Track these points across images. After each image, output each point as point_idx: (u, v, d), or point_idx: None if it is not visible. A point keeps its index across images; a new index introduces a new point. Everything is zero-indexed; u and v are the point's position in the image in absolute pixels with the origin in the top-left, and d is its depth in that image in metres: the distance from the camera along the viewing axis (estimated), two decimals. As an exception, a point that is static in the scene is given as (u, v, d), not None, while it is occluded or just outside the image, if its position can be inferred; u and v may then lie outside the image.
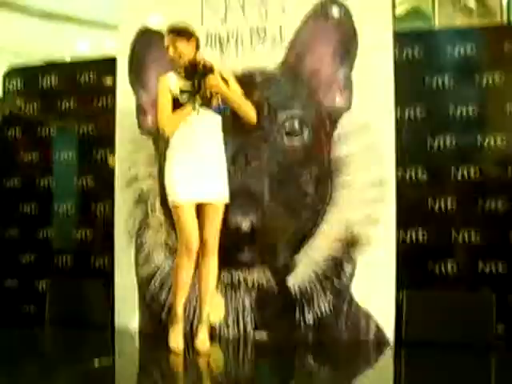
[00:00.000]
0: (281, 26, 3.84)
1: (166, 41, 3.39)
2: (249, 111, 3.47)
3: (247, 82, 3.80)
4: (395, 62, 3.71)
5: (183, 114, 3.30)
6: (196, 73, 3.28)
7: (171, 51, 3.37)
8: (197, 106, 3.28)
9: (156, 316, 3.92)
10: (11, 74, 4.80)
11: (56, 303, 4.26)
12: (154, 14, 4.15)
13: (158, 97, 3.41)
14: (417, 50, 3.84)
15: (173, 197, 3.31)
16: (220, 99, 3.34)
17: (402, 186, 3.66)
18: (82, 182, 4.44)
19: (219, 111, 3.36)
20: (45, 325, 4.22)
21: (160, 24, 4.02)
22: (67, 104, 4.54)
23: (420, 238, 3.71)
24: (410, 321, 3.51)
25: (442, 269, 3.67)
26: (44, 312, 4.27)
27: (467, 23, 6.94)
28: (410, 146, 3.75)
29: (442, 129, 3.76)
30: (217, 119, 3.38)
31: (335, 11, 3.77)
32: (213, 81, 3.28)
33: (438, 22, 8.02)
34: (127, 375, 3.25)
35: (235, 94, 3.42)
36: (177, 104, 3.34)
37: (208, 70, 3.29)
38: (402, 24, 5.34)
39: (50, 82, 4.61)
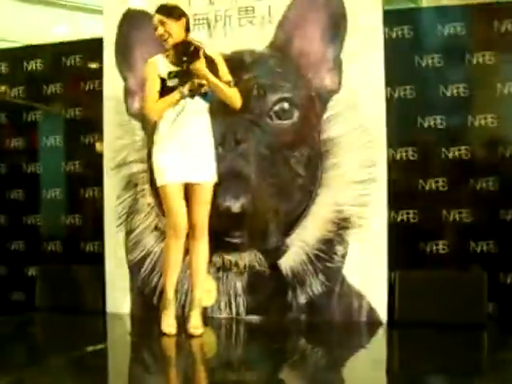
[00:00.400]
0: (269, 6, 3.79)
1: (155, 20, 3.32)
2: (233, 97, 3.38)
3: (236, 63, 3.76)
4: (385, 42, 3.66)
5: (170, 100, 3.25)
6: (185, 55, 3.22)
7: (160, 31, 3.30)
8: (185, 92, 3.22)
9: (148, 300, 3.91)
10: (-6, 57, 4.73)
11: (46, 290, 4.23)
12: (140, -4, 4.10)
13: (146, 80, 3.36)
14: (406, 29, 3.80)
15: (160, 178, 3.28)
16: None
17: (392, 167, 3.64)
18: (70, 168, 4.40)
19: (205, 98, 3.31)
20: (35, 312, 4.19)
21: (147, 4, 3.97)
22: (53, 88, 4.47)
23: (411, 218, 3.70)
24: (402, 301, 3.51)
25: (434, 249, 3.67)
26: (34, 299, 4.25)
27: (454, 3, 6.95)
28: (400, 127, 3.73)
29: (432, 109, 3.74)
30: (204, 107, 3.34)
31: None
32: (199, 66, 3.22)
33: (424, 1, 8.02)
34: (120, 360, 3.23)
35: (220, 80, 3.33)
36: (165, 87, 3.29)
37: (195, 54, 3.22)
38: (388, 4, 5.29)
39: (35, 66, 4.54)
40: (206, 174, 3.33)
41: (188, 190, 3.32)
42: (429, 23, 3.84)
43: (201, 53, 3.23)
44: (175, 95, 3.24)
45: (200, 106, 3.32)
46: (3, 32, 8.82)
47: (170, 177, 3.25)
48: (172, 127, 3.26)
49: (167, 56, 3.34)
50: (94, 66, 4.38)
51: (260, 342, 3.52)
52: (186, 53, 3.21)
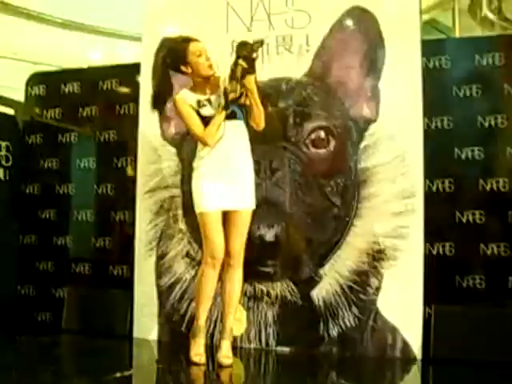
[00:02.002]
0: (307, 34, 3.79)
1: (198, 48, 3.32)
2: (261, 117, 3.35)
3: (273, 90, 3.77)
4: (422, 72, 3.63)
5: (218, 120, 3.22)
6: (247, 63, 3.17)
7: (203, 59, 3.30)
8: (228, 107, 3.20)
9: (176, 327, 3.86)
10: (33, 80, 4.78)
11: (74, 312, 4.21)
12: (179, 22, 4.11)
13: (183, 116, 3.32)
14: (444, 60, 3.76)
15: (200, 206, 3.25)
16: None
17: (429, 198, 3.58)
18: (102, 190, 4.40)
19: (241, 111, 3.29)
20: (61, 333, 4.17)
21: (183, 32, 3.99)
22: (88, 111, 4.50)
23: (447, 251, 3.62)
24: (437, 337, 3.41)
25: (470, 283, 3.57)
26: (60, 320, 4.23)
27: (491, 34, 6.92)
28: (437, 158, 3.66)
29: (470, 140, 3.68)
30: (243, 127, 3.31)
31: (360, 19, 3.70)
32: (252, 80, 3.21)
33: (457, 33, 8.02)
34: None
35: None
36: (202, 118, 3.28)
37: (253, 66, 3.20)
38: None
39: (72, 89, 4.58)
40: (245, 201, 3.30)
41: (226, 217, 3.29)
42: (466, 53, 3.79)
43: (256, 67, 3.21)
44: (221, 114, 3.21)
45: (239, 130, 3.29)
46: (41, 57, 9.06)
47: (209, 204, 3.22)
48: (213, 153, 3.24)
49: (192, 89, 3.34)
50: (129, 90, 4.40)
51: (289, 374, 3.42)
52: (248, 62, 3.18)
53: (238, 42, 3.30)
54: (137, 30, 4.43)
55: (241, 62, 3.17)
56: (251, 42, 3.24)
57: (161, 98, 3.60)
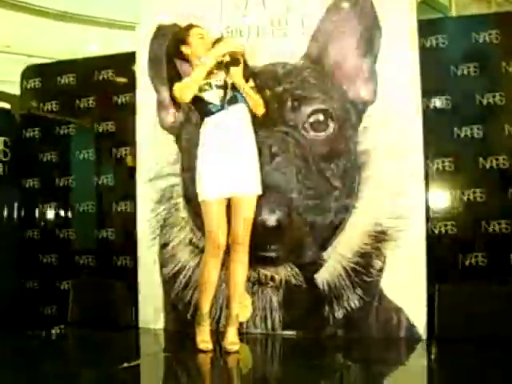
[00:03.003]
0: (302, 18, 3.77)
1: (201, 31, 3.34)
2: (259, 103, 3.34)
3: (269, 75, 3.75)
4: (419, 52, 3.61)
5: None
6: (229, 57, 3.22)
7: (205, 42, 3.31)
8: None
9: (181, 315, 3.87)
10: (29, 72, 4.78)
11: (78, 304, 4.22)
12: (173, 9, 4.09)
13: (177, 96, 3.29)
14: (441, 39, 3.74)
15: (203, 194, 3.23)
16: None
17: (429, 178, 3.59)
18: (102, 181, 4.39)
19: (241, 95, 3.29)
20: (67, 326, 4.18)
21: (179, 18, 3.97)
22: (85, 102, 4.49)
23: (449, 230, 3.63)
24: (441, 316, 3.42)
25: (473, 261, 3.58)
26: (66, 313, 4.23)
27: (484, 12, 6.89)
28: (437, 137, 3.66)
29: (468, 118, 3.67)
30: (246, 110, 3.30)
31: (345, 4, 3.69)
32: (237, 72, 3.22)
33: (454, 11, 7.98)
34: (154, 377, 3.21)
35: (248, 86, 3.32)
36: (201, 101, 3.26)
37: (237, 60, 3.22)
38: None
39: (68, 80, 4.56)
40: (251, 186, 3.28)
41: (232, 203, 3.27)
42: (463, 32, 3.78)
43: (241, 59, 3.23)
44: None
45: (242, 114, 3.28)
46: (38, 49, 9.01)
47: (212, 192, 3.20)
48: (216, 140, 3.22)
49: None
50: (125, 80, 4.38)
51: (296, 358, 3.43)
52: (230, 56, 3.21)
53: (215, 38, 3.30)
54: (132, 18, 4.39)
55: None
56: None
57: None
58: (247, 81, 3.28)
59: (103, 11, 8.44)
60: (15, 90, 4.86)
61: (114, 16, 8.51)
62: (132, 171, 4.12)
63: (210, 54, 3.19)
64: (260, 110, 3.34)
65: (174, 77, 3.34)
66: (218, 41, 3.29)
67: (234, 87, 3.24)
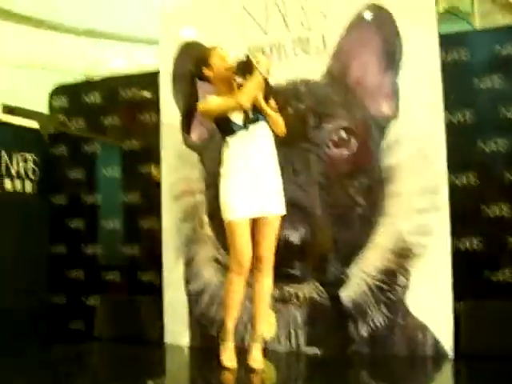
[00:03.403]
0: (323, 35, 3.79)
1: (223, 53, 3.36)
2: (280, 123, 3.35)
3: (292, 93, 3.78)
4: (442, 66, 3.60)
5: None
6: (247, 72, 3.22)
7: (226, 63, 3.33)
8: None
9: (206, 332, 3.89)
10: (56, 91, 4.87)
11: (105, 319, 4.27)
12: (195, 28, 4.14)
13: (211, 108, 3.29)
14: (463, 52, 3.73)
15: (228, 214, 3.23)
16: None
17: (454, 193, 3.54)
18: (128, 198, 4.45)
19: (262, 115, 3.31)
20: (93, 341, 4.22)
21: (202, 36, 4.02)
22: (111, 120, 4.56)
23: (475, 245, 3.60)
24: (468, 333, 3.39)
25: (500, 277, 3.54)
26: (92, 328, 4.28)
27: (509, 20, 6.81)
28: (461, 151, 3.63)
29: (493, 132, 3.64)
30: (268, 132, 3.31)
31: (376, 15, 3.69)
32: (258, 95, 3.26)
33: (477, 20, 7.90)
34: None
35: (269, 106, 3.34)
36: (224, 120, 3.30)
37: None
38: (439, 24, 5.21)
39: (94, 99, 4.64)
40: (276, 206, 3.28)
41: (255, 222, 3.28)
42: (485, 44, 3.76)
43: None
44: (256, 77, 3.17)
45: (264, 133, 3.29)
46: (65, 65, 9.13)
47: (237, 212, 3.20)
48: (239, 159, 3.24)
49: (217, 94, 3.36)
50: (150, 97, 4.43)
51: (321, 375, 3.42)
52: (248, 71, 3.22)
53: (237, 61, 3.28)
54: (156, 34, 4.45)
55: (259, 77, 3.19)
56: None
57: (190, 114, 3.58)
58: (268, 101, 3.31)
59: (127, 27, 8.55)
60: (43, 106, 4.94)
61: (139, 32, 8.62)
62: (157, 188, 4.15)
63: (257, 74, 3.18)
64: (281, 130, 3.36)
65: (193, 97, 3.39)
66: (243, 63, 3.27)
67: (255, 107, 3.26)
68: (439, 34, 3.65)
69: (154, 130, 4.23)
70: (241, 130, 3.24)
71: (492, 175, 3.66)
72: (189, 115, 3.53)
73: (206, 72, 3.36)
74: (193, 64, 3.47)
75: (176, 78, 4.09)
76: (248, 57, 3.21)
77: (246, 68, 3.21)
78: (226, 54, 3.35)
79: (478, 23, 7.74)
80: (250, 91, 3.18)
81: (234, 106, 3.21)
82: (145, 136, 4.42)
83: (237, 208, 3.20)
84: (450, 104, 3.61)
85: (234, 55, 3.32)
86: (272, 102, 3.34)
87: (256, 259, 3.29)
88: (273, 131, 3.34)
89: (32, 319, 4.43)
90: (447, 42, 3.70)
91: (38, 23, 8.15)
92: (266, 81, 3.24)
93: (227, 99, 3.25)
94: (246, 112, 3.23)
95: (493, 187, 3.64)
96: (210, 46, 3.45)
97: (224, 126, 3.30)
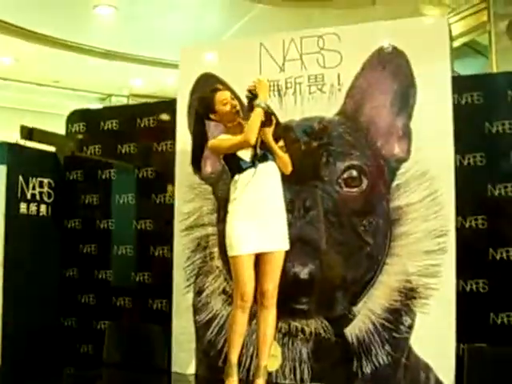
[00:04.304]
0: (339, 74, 3.86)
1: (224, 96, 3.48)
2: (287, 162, 3.48)
3: (305, 129, 3.85)
4: (454, 108, 3.66)
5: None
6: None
7: (228, 107, 3.47)
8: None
9: (213, 362, 3.94)
10: (74, 116, 4.95)
11: (114, 345, 4.32)
12: (214, 60, 4.23)
13: (221, 146, 3.45)
14: (476, 96, 3.77)
15: (232, 249, 3.34)
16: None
17: (461, 236, 3.59)
18: (141, 226, 4.51)
19: (270, 153, 3.42)
20: (102, 365, 4.27)
21: (220, 69, 4.11)
22: (127, 147, 4.63)
23: (480, 288, 3.63)
24: (470, 376, 3.41)
25: (505, 320, 3.56)
26: (101, 352, 4.33)
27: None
28: (470, 195, 3.67)
29: (503, 176, 3.67)
30: (276, 170, 3.41)
31: (391, 57, 3.75)
32: (267, 131, 3.37)
33: (494, 56, 7.95)
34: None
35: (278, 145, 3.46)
36: (232, 158, 3.40)
37: (268, 120, 3.35)
38: (456, 58, 5.25)
39: (111, 125, 4.72)
40: (279, 242, 3.39)
41: (260, 258, 3.37)
42: (499, 89, 3.79)
43: (273, 119, 3.35)
44: (255, 113, 3.30)
45: (271, 171, 3.40)
46: (84, 84, 9.31)
47: (242, 248, 3.30)
48: (246, 196, 3.34)
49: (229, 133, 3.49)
50: (166, 127, 4.50)
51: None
52: (265, 115, 3.34)
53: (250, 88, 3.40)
54: (175, 57, 4.53)
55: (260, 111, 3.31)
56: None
57: (198, 152, 3.69)
58: (277, 140, 3.40)
59: (147, 50, 8.70)
60: (62, 123, 5.01)
61: (158, 54, 8.76)
62: (171, 217, 4.21)
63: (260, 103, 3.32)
64: (288, 170, 3.48)
65: (202, 136, 3.55)
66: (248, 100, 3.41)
67: (263, 145, 3.35)
68: (452, 76, 3.71)
69: (171, 158, 4.29)
70: (249, 167, 3.34)
71: (500, 219, 3.67)
72: (198, 153, 3.63)
73: (213, 117, 3.51)
74: (199, 107, 3.59)
75: (191, 109, 4.15)
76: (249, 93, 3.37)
77: (249, 108, 3.36)
78: (227, 97, 3.47)
79: (496, 59, 7.79)
80: (253, 126, 3.29)
81: (240, 143, 3.34)
82: (161, 164, 4.48)
83: (241, 244, 3.30)
84: (461, 147, 3.65)
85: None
86: (281, 142, 3.43)
87: (260, 294, 3.37)
88: (280, 170, 3.43)
89: (43, 341, 4.48)
90: (460, 84, 3.75)
91: (61, 44, 8.31)
92: (276, 122, 3.36)
93: (235, 137, 3.37)
94: (254, 149, 3.32)
95: (501, 231, 3.66)
96: (212, 89, 3.56)
97: (233, 164, 3.42)
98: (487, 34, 8.35)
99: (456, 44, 8.21)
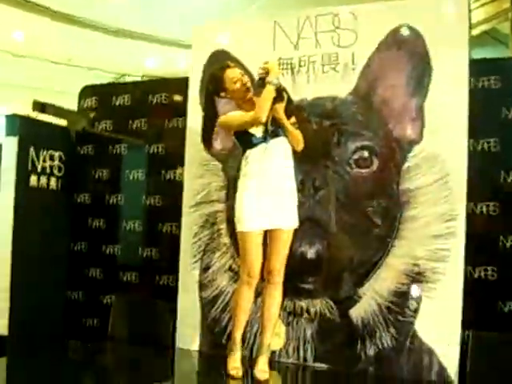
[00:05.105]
0: (353, 53, 3.81)
1: (234, 74, 3.43)
2: (298, 139, 3.43)
3: (318, 109, 3.81)
4: (470, 92, 3.59)
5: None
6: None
7: (239, 85, 3.42)
8: (275, 81, 3.27)
9: (217, 339, 3.93)
10: (86, 91, 4.95)
11: (119, 319, 4.31)
12: (227, 37, 4.19)
13: (231, 122, 3.42)
14: (493, 80, 3.71)
15: (241, 225, 3.31)
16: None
17: (472, 222, 3.54)
18: (150, 201, 4.51)
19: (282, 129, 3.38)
20: (107, 340, 4.27)
21: (232, 46, 4.07)
22: (138, 123, 4.62)
23: (489, 275, 3.58)
24: (474, 363, 3.37)
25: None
26: (107, 326, 4.32)
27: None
28: (483, 180, 3.63)
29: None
30: (287, 146, 3.38)
31: (408, 37, 3.70)
32: (279, 107, 3.32)
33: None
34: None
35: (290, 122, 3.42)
36: (244, 134, 3.37)
37: (280, 96, 3.31)
38: (476, 46, 5.16)
39: (123, 101, 4.71)
40: (288, 219, 3.35)
41: (268, 235, 3.34)
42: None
43: (285, 96, 3.31)
44: (268, 89, 3.25)
45: (283, 147, 3.36)
46: (97, 63, 9.31)
47: (251, 224, 3.28)
48: (257, 172, 3.31)
49: (241, 108, 3.45)
50: (178, 104, 4.49)
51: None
52: (277, 91, 3.30)
53: (262, 67, 3.34)
54: (188, 38, 4.50)
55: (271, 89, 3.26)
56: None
57: (208, 126, 3.67)
58: (289, 117, 3.36)
59: (161, 29, 8.66)
60: (74, 102, 5.02)
61: (171, 34, 8.72)
62: (180, 194, 4.20)
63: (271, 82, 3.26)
64: (300, 146, 3.43)
65: (212, 113, 3.54)
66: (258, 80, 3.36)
67: (275, 122, 3.32)
68: (470, 59, 3.65)
69: (180, 135, 4.27)
70: (260, 142, 3.31)
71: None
72: (208, 130, 3.61)
73: (223, 94, 3.49)
74: (209, 86, 3.57)
75: (202, 86, 4.12)
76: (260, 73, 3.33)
77: (260, 84, 3.31)
78: (236, 74, 3.43)
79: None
80: (264, 104, 3.25)
81: (251, 121, 3.30)
82: (172, 141, 4.46)
83: (250, 220, 3.28)
84: (476, 131, 3.59)
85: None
86: (293, 118, 3.40)
87: (267, 271, 3.35)
88: (292, 147, 3.39)
89: (50, 314, 4.51)
90: (478, 68, 3.69)
91: (74, 21, 8.29)
92: (288, 98, 3.34)
93: (246, 114, 3.34)
94: (265, 126, 3.29)
95: (512, 218, 3.62)
96: (222, 66, 3.52)
97: (244, 139, 3.38)
98: (508, 22, 8.26)
99: (476, 32, 8.12)
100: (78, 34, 8.54)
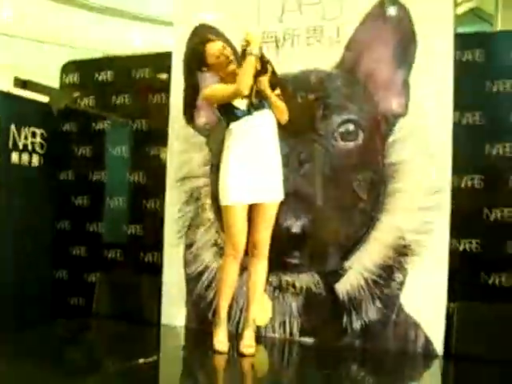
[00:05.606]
0: (338, 26, 3.77)
1: (216, 48, 3.38)
2: (283, 111, 3.40)
3: (302, 82, 3.77)
4: (455, 65, 3.57)
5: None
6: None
7: (226, 52, 3.36)
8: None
9: (202, 314, 3.93)
10: (68, 67, 4.88)
11: (104, 297, 4.31)
12: (210, 11, 4.13)
13: (214, 95, 3.38)
14: (478, 53, 3.69)
15: (225, 198, 3.28)
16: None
17: (456, 195, 3.54)
18: (134, 178, 4.47)
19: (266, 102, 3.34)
20: (92, 317, 4.27)
21: (215, 20, 4.02)
22: (122, 99, 4.57)
23: (474, 248, 3.59)
24: (459, 334, 3.40)
25: (496, 281, 3.54)
26: (91, 304, 4.32)
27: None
28: (467, 153, 3.62)
29: (502, 136, 3.61)
30: (272, 119, 3.34)
31: (393, 10, 3.67)
32: (263, 80, 3.28)
33: (500, 24, 7.83)
34: (170, 374, 3.27)
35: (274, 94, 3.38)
36: (227, 106, 3.32)
37: (264, 68, 3.28)
38: (460, 24, 5.16)
39: (106, 77, 4.65)
40: (273, 192, 3.33)
41: (253, 208, 3.32)
42: (502, 47, 3.72)
43: (269, 68, 3.27)
44: (248, 61, 3.19)
45: (267, 120, 3.33)
46: (83, 41, 9.20)
47: (235, 197, 3.25)
48: (241, 145, 3.27)
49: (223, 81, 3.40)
50: (161, 79, 4.44)
51: (311, 365, 3.48)
52: (262, 64, 3.26)
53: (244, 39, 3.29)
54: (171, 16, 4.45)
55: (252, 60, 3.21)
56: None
57: (190, 101, 3.63)
58: (274, 89, 3.33)
59: (149, 7, 8.57)
60: (56, 81, 4.95)
61: (159, 12, 8.64)
62: (163, 170, 4.17)
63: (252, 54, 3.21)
64: (284, 119, 3.40)
65: (194, 87, 3.46)
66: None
67: (258, 94, 3.28)
68: (455, 33, 3.62)
69: (165, 111, 4.22)
70: (244, 115, 3.27)
71: (497, 179, 3.62)
72: (190, 104, 3.57)
73: (205, 69, 3.44)
74: (191, 59, 3.52)
75: (187, 60, 4.07)
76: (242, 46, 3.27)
77: (242, 56, 3.27)
78: (218, 48, 3.36)
79: (501, 26, 7.67)
80: (246, 76, 3.20)
81: (234, 93, 3.24)
82: (155, 117, 4.42)
83: (234, 193, 3.25)
84: (461, 104, 3.58)
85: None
86: (277, 90, 3.36)
87: (252, 245, 3.34)
88: (276, 119, 3.35)
89: (35, 293, 4.48)
90: (463, 42, 3.67)
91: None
92: (272, 70, 3.30)
93: (228, 86, 3.29)
94: (250, 98, 3.24)
95: (497, 191, 3.62)
96: (203, 39, 3.46)
97: (227, 112, 3.34)
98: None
99: (461, 10, 8.10)
100: (61, 11, 8.43)
